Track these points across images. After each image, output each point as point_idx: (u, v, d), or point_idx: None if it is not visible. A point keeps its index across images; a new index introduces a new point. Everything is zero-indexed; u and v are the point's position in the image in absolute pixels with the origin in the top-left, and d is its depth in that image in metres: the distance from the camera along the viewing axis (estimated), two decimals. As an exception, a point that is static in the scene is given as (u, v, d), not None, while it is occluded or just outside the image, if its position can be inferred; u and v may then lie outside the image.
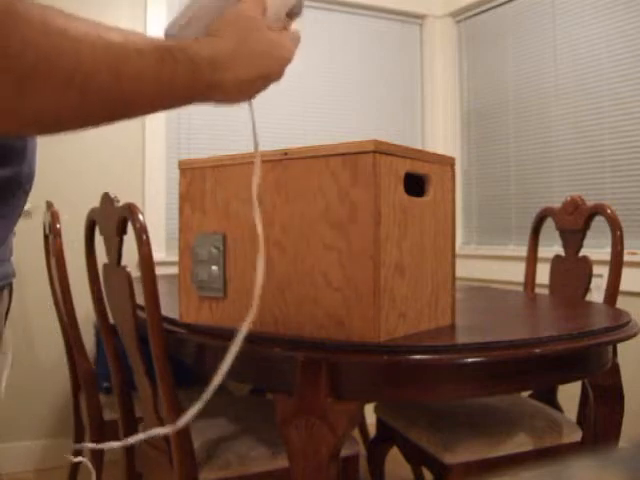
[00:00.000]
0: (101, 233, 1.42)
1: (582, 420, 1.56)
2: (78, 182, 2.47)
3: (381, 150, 0.99)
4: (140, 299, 1.26)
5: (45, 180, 2.43)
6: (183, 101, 0.58)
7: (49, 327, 2.44)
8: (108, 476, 2.28)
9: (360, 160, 0.99)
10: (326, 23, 3.00)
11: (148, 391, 1.34)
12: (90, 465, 1.06)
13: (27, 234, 2.42)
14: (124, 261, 1.35)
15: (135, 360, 1.37)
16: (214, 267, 1.15)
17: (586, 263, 1.71)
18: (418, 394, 1.06)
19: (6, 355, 0.60)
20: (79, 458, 0.99)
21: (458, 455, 1.36)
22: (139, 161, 2.59)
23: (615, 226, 1.62)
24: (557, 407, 1.70)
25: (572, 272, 1.77)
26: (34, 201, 2.38)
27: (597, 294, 2.26)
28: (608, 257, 1.66)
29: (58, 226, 1.75)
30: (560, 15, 2.66)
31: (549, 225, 1.94)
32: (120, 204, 1.29)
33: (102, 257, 1.43)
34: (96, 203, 1.43)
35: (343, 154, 1.00)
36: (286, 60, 0.66)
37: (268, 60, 0.64)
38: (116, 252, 1.34)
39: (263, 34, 0.64)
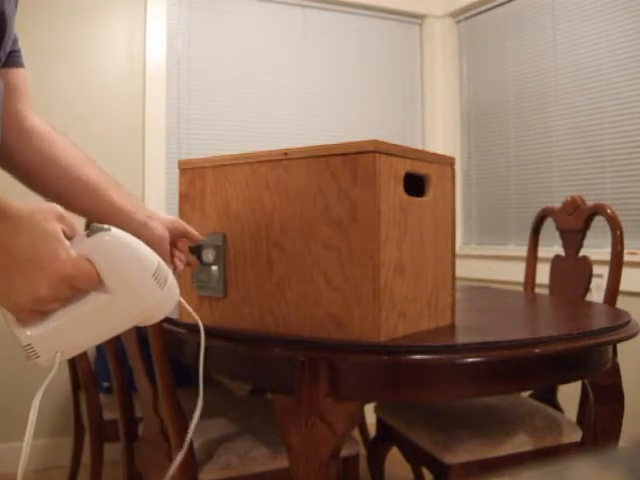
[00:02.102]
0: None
1: (582, 420, 1.56)
2: (78, 182, 2.46)
3: (381, 150, 0.99)
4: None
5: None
6: None
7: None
8: (108, 476, 2.28)
9: (360, 160, 0.99)
10: (326, 23, 3.00)
11: (148, 391, 1.34)
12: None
13: (27, 234, 2.42)
14: (124, 261, 1.35)
15: (135, 360, 1.37)
16: (214, 267, 1.15)
17: (586, 263, 1.71)
18: (418, 394, 1.06)
19: None
20: None
21: (458, 455, 1.36)
22: (139, 161, 2.59)
23: (615, 226, 1.62)
24: (557, 407, 1.70)
25: (572, 272, 1.77)
26: (34, 201, 2.38)
27: (597, 294, 2.26)
28: (608, 257, 1.66)
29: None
30: (560, 15, 2.66)
31: (549, 225, 1.94)
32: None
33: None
34: (96, 203, 1.43)
35: (343, 154, 1.00)
36: (61, 277, 0.59)
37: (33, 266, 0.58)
38: (116, 252, 1.34)
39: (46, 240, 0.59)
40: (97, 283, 0.62)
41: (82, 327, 0.63)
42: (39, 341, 0.62)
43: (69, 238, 0.62)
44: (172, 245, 1.04)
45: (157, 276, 0.65)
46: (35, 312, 0.61)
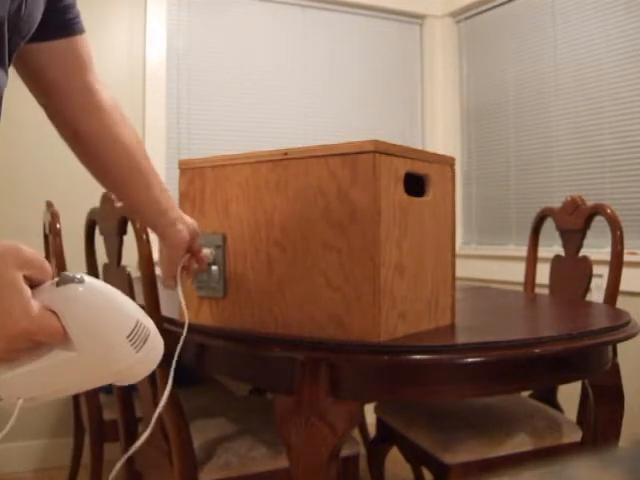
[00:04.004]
0: (101, 233, 1.42)
1: (582, 420, 1.56)
2: (78, 182, 2.47)
3: (381, 150, 0.99)
4: (140, 299, 1.26)
5: (45, 180, 2.43)
6: None
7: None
8: (108, 476, 2.28)
9: (360, 160, 0.99)
10: (326, 23, 3.00)
11: (148, 391, 1.34)
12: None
13: (27, 234, 2.42)
14: (124, 261, 1.35)
15: (135, 360, 1.37)
16: (214, 267, 1.15)
17: (586, 263, 1.71)
18: (418, 394, 1.06)
19: None
20: None
21: (458, 455, 1.36)
22: (139, 161, 2.59)
23: (615, 226, 1.62)
24: (557, 407, 1.70)
25: (572, 272, 1.77)
26: (34, 201, 2.38)
27: (597, 294, 2.26)
28: (608, 257, 1.66)
29: (58, 226, 1.75)
30: (560, 15, 2.66)
31: (549, 225, 1.94)
32: (120, 204, 1.29)
33: (102, 257, 1.43)
34: (96, 203, 1.43)
35: (343, 154, 1.00)
36: (15, 334, 0.53)
37: None
38: (116, 252, 1.34)
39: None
40: (62, 339, 0.56)
41: (45, 380, 0.58)
42: (2, 386, 0.58)
43: (38, 284, 0.56)
44: (189, 251, 1.05)
45: (133, 337, 0.58)
46: None
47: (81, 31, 0.90)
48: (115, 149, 0.94)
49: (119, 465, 0.74)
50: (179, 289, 1.03)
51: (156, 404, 1.32)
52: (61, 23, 0.86)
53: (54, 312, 0.55)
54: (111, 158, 0.94)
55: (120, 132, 0.94)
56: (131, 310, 0.59)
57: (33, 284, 0.55)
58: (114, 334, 0.57)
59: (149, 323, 0.60)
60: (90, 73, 0.92)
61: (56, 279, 0.57)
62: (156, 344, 0.61)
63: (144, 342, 0.59)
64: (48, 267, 0.57)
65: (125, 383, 0.61)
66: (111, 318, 0.57)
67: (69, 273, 0.57)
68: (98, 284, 0.58)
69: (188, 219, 1.03)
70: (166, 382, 1.24)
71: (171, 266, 1.02)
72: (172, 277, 1.03)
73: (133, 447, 0.76)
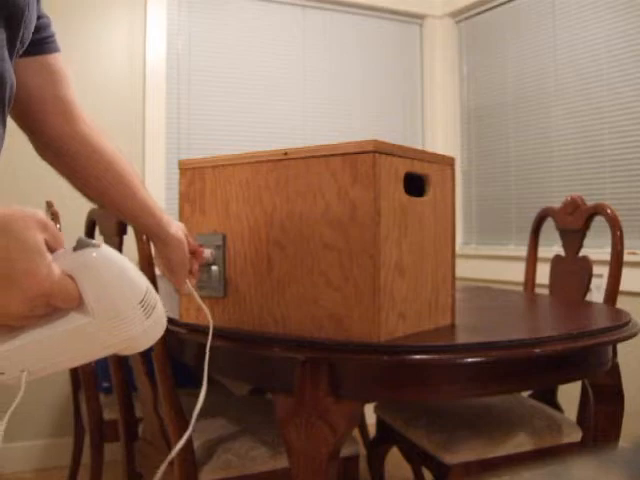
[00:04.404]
0: (101, 233, 1.42)
1: (582, 420, 1.56)
2: (78, 182, 2.46)
3: (381, 150, 0.99)
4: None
5: (45, 180, 2.43)
6: None
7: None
8: (108, 476, 2.28)
9: (360, 160, 0.99)
10: (326, 23, 3.00)
11: (148, 391, 1.34)
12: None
13: (27, 234, 2.42)
14: (124, 261, 1.34)
15: (135, 360, 1.37)
16: (214, 267, 1.15)
17: (586, 263, 1.71)
18: (418, 394, 1.06)
19: None
20: None
21: (458, 455, 1.36)
22: (139, 161, 2.59)
23: (615, 226, 1.62)
24: (557, 407, 1.70)
25: (572, 272, 1.77)
26: (34, 201, 2.38)
27: (597, 294, 2.26)
28: (608, 257, 1.66)
29: (58, 226, 1.75)
30: (560, 15, 2.66)
31: (549, 225, 1.94)
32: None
33: (102, 257, 1.42)
34: (96, 203, 1.43)
35: (343, 154, 1.00)
36: (36, 294, 0.53)
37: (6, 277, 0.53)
38: (116, 252, 1.34)
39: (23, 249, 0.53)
40: (78, 304, 0.56)
41: (54, 348, 0.58)
42: (3, 358, 0.58)
43: (52, 250, 0.56)
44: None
45: (144, 304, 0.59)
46: (3, 326, 0.56)
47: (56, 49, 0.91)
48: (95, 159, 0.93)
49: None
50: (193, 291, 1.03)
51: (156, 404, 1.32)
52: (36, 41, 0.87)
53: (71, 277, 0.56)
54: (92, 167, 0.94)
55: (101, 140, 0.94)
56: (141, 277, 0.60)
57: (50, 250, 0.55)
58: (128, 299, 0.58)
59: (155, 292, 0.62)
60: (67, 89, 0.92)
61: (73, 246, 0.57)
62: (161, 313, 0.62)
63: (153, 309, 0.60)
64: (62, 236, 0.57)
65: (130, 352, 0.62)
66: (125, 284, 0.58)
67: (85, 238, 0.58)
68: (113, 251, 0.59)
69: (172, 219, 1.04)
70: (166, 382, 1.24)
71: (182, 269, 1.03)
72: (184, 281, 1.04)
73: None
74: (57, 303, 0.55)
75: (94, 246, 0.57)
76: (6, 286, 0.52)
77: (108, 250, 0.58)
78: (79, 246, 0.57)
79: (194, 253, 1.06)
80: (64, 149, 0.92)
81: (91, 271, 0.56)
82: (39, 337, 0.57)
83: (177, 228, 1.02)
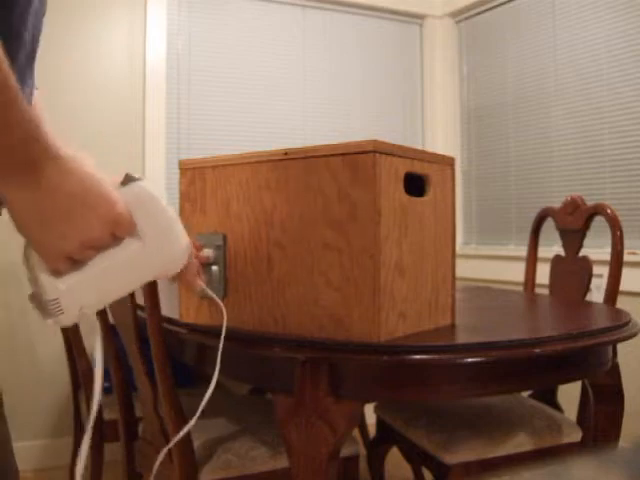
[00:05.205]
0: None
1: (582, 420, 1.56)
2: (78, 182, 2.47)
3: (381, 150, 0.99)
4: (140, 299, 1.26)
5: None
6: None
7: (49, 327, 2.44)
8: (108, 476, 2.28)
9: (360, 160, 0.99)
10: (326, 23, 3.00)
11: (148, 391, 1.34)
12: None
13: (27, 234, 2.42)
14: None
15: (135, 360, 1.37)
16: (214, 267, 1.15)
17: (586, 263, 1.71)
18: (418, 394, 1.06)
19: None
20: None
21: (458, 455, 1.36)
22: (139, 161, 2.59)
23: (615, 226, 1.62)
24: (557, 407, 1.70)
25: (572, 272, 1.77)
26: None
27: (597, 294, 2.26)
28: (608, 257, 1.66)
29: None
30: (560, 15, 2.66)
31: (549, 225, 1.94)
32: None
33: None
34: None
35: (343, 154, 1.00)
36: (113, 218, 0.59)
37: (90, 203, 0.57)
38: (116, 252, 1.34)
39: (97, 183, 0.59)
40: (134, 230, 0.63)
41: (111, 277, 0.63)
42: (67, 294, 0.61)
43: None
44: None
45: (181, 224, 0.68)
46: (70, 261, 0.60)
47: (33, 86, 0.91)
48: None
49: None
50: (207, 290, 0.99)
51: (156, 404, 1.32)
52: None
53: None
54: None
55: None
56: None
57: None
58: (173, 221, 0.67)
59: None
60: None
61: (120, 181, 0.65)
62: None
63: (184, 232, 0.68)
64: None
65: (173, 272, 0.70)
66: (168, 209, 0.66)
67: (131, 173, 0.65)
68: (150, 184, 0.67)
69: None
70: (166, 382, 1.24)
71: (192, 268, 0.99)
72: (196, 280, 1.00)
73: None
74: (121, 229, 0.61)
75: (139, 179, 0.65)
76: (84, 213, 0.57)
77: (149, 183, 0.66)
78: (127, 180, 0.64)
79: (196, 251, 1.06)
80: None
81: (142, 200, 0.64)
82: (101, 267, 0.62)
83: None
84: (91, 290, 0.62)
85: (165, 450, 0.86)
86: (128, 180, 0.64)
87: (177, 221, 0.67)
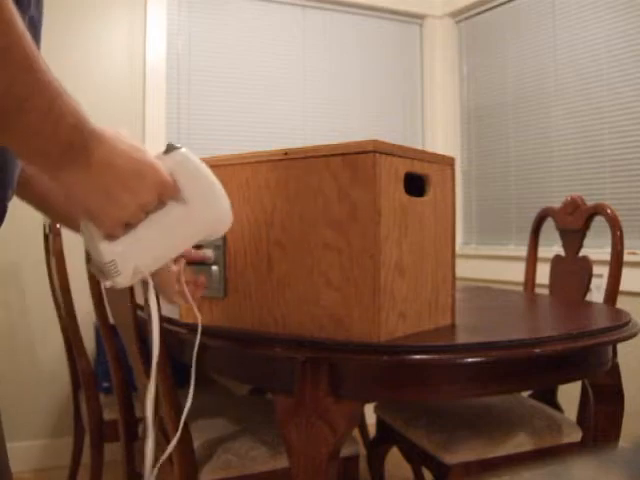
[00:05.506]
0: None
1: (582, 420, 1.56)
2: (78, 182, 2.46)
3: (381, 150, 0.99)
4: (140, 299, 1.26)
5: (45, 180, 2.43)
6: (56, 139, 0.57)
7: (49, 327, 2.44)
8: (108, 476, 2.28)
9: (360, 160, 0.99)
10: (326, 23, 3.00)
11: (148, 391, 1.33)
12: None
13: (27, 234, 2.42)
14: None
15: (135, 360, 1.37)
16: (214, 267, 1.15)
17: (586, 263, 1.71)
18: (418, 394, 1.06)
19: None
20: None
21: (458, 455, 1.36)
22: (139, 161, 2.59)
23: (615, 226, 1.62)
24: (557, 407, 1.70)
25: (572, 272, 1.77)
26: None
27: (597, 294, 2.26)
28: (608, 257, 1.66)
29: (58, 226, 1.75)
30: (560, 15, 2.66)
31: (549, 225, 1.94)
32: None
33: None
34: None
35: (343, 154, 1.00)
36: (159, 182, 0.65)
37: (141, 171, 0.63)
38: (116, 252, 1.34)
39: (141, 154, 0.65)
40: (178, 194, 0.68)
41: (161, 238, 0.68)
42: (123, 255, 0.67)
43: None
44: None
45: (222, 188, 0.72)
46: (124, 225, 0.65)
47: None
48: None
49: None
50: (188, 298, 0.93)
51: (156, 404, 1.32)
52: None
53: None
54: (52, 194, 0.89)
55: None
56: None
57: None
58: (215, 184, 0.71)
59: None
60: None
61: (162, 151, 0.70)
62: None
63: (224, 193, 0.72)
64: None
65: (219, 234, 0.74)
66: (209, 173, 0.71)
67: (172, 143, 0.71)
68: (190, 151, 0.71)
69: None
70: (166, 382, 1.24)
71: (172, 277, 0.92)
72: (177, 290, 0.94)
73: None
74: (166, 192, 0.66)
75: (180, 147, 0.70)
76: (137, 181, 0.62)
77: (188, 150, 0.71)
78: (169, 150, 0.70)
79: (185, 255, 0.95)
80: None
81: (184, 166, 0.69)
82: (150, 230, 0.68)
83: None
84: (144, 250, 0.68)
85: (169, 450, 0.86)
86: (170, 149, 0.69)
87: (218, 184, 0.71)
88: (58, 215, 0.92)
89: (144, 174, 0.63)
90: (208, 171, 0.71)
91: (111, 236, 0.66)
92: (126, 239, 0.67)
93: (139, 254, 0.68)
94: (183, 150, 0.70)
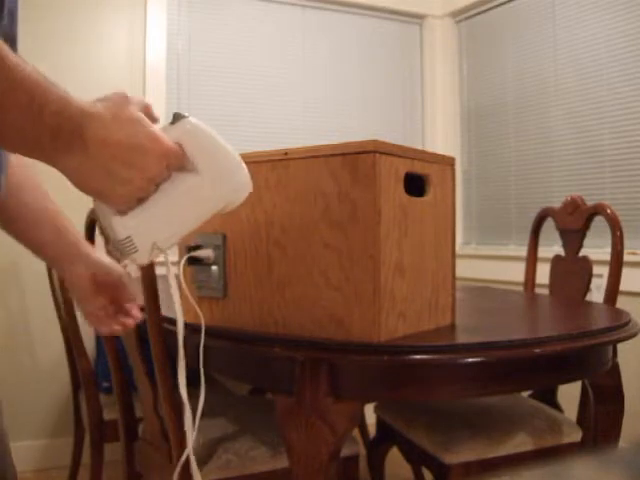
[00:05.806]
0: (101, 233, 1.42)
1: (582, 420, 1.56)
2: (78, 182, 2.46)
3: (381, 150, 0.99)
4: (140, 299, 1.26)
5: (45, 180, 2.43)
6: (48, 131, 0.57)
7: (49, 327, 2.44)
8: (108, 476, 2.28)
9: (360, 160, 0.99)
10: (326, 23, 3.00)
11: (148, 391, 1.34)
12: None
13: (27, 234, 2.42)
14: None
15: (135, 360, 1.37)
16: (214, 267, 1.15)
17: (586, 263, 1.71)
18: (418, 394, 1.06)
19: None
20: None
21: (458, 455, 1.36)
22: (139, 161, 2.59)
23: (615, 226, 1.62)
24: (557, 407, 1.70)
25: (572, 272, 1.77)
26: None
27: (597, 294, 2.26)
28: (608, 257, 1.66)
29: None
30: (560, 15, 2.66)
31: (549, 225, 1.94)
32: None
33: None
34: (96, 203, 1.43)
35: (343, 154, 1.00)
36: (162, 152, 0.63)
37: (141, 146, 0.62)
38: (116, 252, 1.34)
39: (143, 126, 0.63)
40: (187, 164, 0.65)
41: (176, 210, 0.66)
42: (138, 229, 0.65)
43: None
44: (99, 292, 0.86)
45: (239, 157, 0.68)
46: (134, 200, 0.64)
47: None
48: (19, 209, 0.88)
49: None
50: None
51: (156, 404, 1.32)
52: None
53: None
54: (16, 214, 0.88)
55: (23, 194, 0.89)
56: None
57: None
58: (228, 151, 0.67)
59: None
60: None
61: (170, 121, 0.67)
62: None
63: (242, 162, 0.68)
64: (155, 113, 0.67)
65: (237, 203, 0.70)
66: (221, 142, 0.67)
67: (179, 112, 0.68)
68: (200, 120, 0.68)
69: (97, 258, 0.85)
70: (166, 382, 1.24)
71: (125, 293, 0.88)
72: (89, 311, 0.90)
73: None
74: (173, 160, 0.64)
75: (188, 117, 0.67)
76: (137, 156, 0.61)
77: (197, 119, 0.68)
78: (176, 119, 0.67)
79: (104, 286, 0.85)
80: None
81: (193, 134, 0.66)
82: (164, 202, 0.65)
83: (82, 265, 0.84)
84: (160, 224, 0.66)
85: (184, 456, 0.86)
86: (178, 118, 0.67)
87: (232, 151, 0.67)
88: (28, 243, 0.87)
89: (144, 146, 0.61)
90: (219, 138, 0.68)
91: (122, 212, 0.65)
92: (139, 212, 0.65)
93: (155, 228, 0.66)
94: (191, 119, 0.67)
